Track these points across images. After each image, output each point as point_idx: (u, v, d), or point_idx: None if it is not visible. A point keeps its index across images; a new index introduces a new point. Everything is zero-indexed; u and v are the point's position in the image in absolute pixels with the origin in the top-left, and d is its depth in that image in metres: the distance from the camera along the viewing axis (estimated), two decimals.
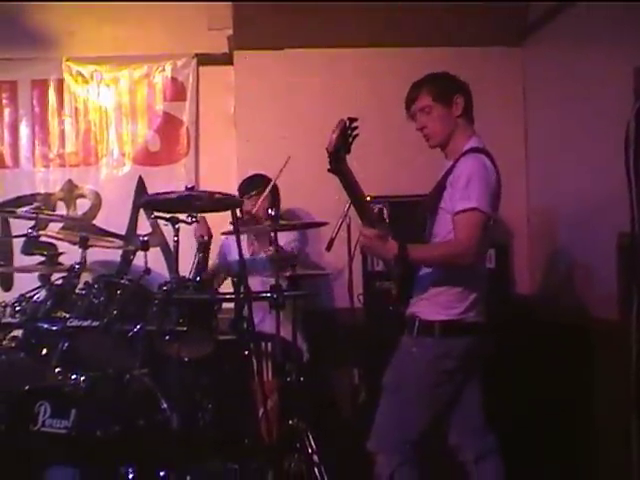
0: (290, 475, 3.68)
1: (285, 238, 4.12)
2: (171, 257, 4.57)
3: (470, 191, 2.88)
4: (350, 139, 2.74)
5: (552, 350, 4.10)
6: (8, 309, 3.97)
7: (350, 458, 3.65)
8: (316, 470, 3.69)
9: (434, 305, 3.01)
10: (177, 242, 3.72)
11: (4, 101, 5.17)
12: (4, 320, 3.96)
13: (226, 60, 5.13)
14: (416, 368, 3.03)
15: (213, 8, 5.06)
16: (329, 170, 2.79)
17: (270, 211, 3.79)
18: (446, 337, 2.99)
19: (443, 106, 3.09)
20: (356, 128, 2.73)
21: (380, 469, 3.06)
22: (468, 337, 3.02)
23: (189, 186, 3.57)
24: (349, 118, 2.72)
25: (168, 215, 3.75)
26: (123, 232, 5.04)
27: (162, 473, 3.27)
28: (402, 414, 3.04)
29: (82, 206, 5.18)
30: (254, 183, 4.32)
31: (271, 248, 3.90)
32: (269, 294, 3.70)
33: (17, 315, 3.93)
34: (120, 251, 4.81)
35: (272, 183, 4.12)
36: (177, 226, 3.75)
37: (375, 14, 4.71)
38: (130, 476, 3.21)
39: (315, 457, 3.72)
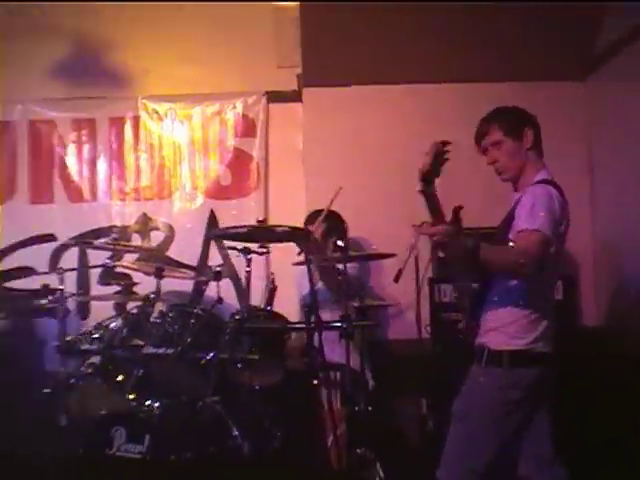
0: None
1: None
2: (241, 287, 4.67)
3: (534, 216, 2.86)
4: (442, 162, 2.80)
5: (620, 383, 4.05)
6: (86, 337, 4.13)
7: None
8: None
9: (503, 335, 3.00)
10: (249, 272, 3.81)
11: (83, 138, 5.39)
12: (82, 347, 4.11)
13: (295, 97, 5.28)
14: (484, 398, 3.02)
15: (283, 47, 5.21)
16: (419, 191, 2.84)
17: (340, 242, 3.86)
18: (514, 367, 2.97)
19: (514, 140, 3.08)
20: (448, 152, 2.78)
21: None
22: (536, 367, 3.00)
23: (260, 219, 3.69)
24: (442, 141, 2.77)
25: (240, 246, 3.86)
26: (195, 263, 5.16)
27: None
28: (470, 443, 3.03)
29: (156, 238, 5.32)
30: (316, 215, 4.39)
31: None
32: (339, 324, 3.75)
33: (94, 342, 4.09)
34: (191, 281, 4.93)
35: (325, 212, 4.15)
36: (249, 257, 3.85)
37: (441, 49, 4.79)
38: None
39: None
